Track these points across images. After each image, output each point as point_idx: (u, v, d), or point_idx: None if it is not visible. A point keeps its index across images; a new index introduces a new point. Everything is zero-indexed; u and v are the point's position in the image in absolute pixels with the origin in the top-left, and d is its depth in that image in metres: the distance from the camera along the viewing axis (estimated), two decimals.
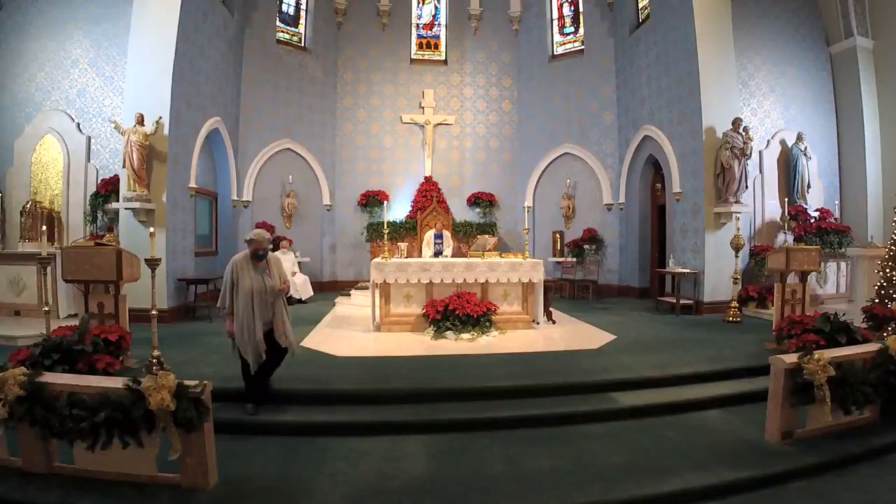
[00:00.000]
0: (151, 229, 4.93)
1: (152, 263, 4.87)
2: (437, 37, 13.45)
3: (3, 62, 9.12)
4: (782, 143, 10.06)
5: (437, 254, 9.17)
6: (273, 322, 4.24)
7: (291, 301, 10.15)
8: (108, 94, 9.03)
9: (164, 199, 7.93)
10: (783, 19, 10.31)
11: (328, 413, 4.31)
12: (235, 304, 4.12)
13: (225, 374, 4.97)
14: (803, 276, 6.69)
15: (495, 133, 13.21)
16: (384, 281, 7.17)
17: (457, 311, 6.78)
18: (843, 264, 9.47)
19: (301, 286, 10.38)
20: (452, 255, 9.11)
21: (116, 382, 3.20)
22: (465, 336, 6.58)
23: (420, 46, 13.38)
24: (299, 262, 11.06)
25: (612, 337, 6.72)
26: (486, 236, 8.95)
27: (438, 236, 9.64)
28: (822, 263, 8.44)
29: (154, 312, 4.99)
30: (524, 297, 7.50)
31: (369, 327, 7.39)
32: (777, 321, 6.26)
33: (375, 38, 12.91)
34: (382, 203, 11.72)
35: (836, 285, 9.51)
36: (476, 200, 12.85)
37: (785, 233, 9.65)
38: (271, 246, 10.28)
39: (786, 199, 9.58)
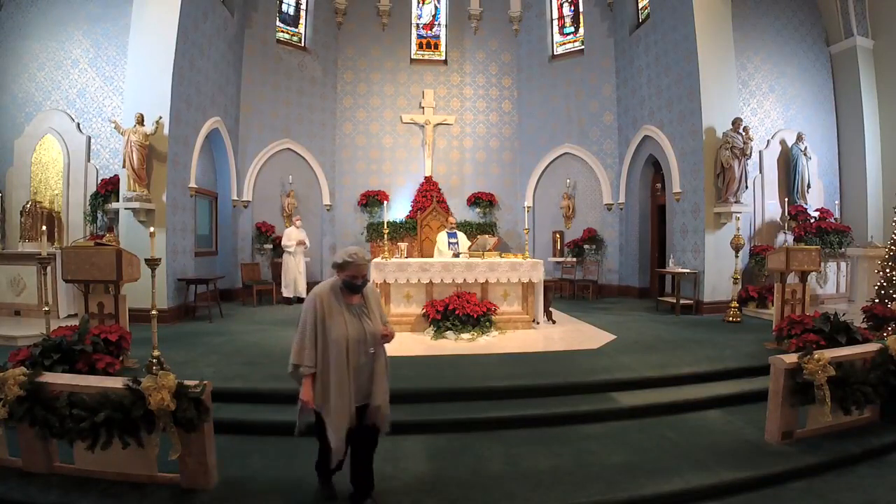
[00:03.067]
0: (151, 229, 4.92)
1: (152, 263, 4.87)
2: (437, 37, 13.45)
3: (3, 62, 9.12)
4: (782, 143, 10.06)
5: (456, 256, 8.15)
6: (371, 388, 2.89)
7: (291, 301, 10.18)
8: (108, 94, 9.03)
9: (164, 199, 7.93)
10: (783, 19, 10.31)
11: None
12: (319, 360, 2.81)
13: (225, 374, 4.98)
14: (803, 276, 6.69)
15: (495, 133, 13.21)
16: (384, 281, 7.17)
17: (457, 311, 6.78)
18: (843, 264, 9.48)
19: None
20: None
21: (116, 382, 3.20)
22: (465, 336, 6.58)
23: (420, 46, 13.37)
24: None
25: (612, 337, 6.72)
26: (487, 236, 8.95)
27: (452, 234, 8.83)
28: (822, 263, 8.44)
29: (154, 312, 4.99)
30: (524, 297, 7.50)
31: None
32: (777, 321, 6.26)
33: (375, 38, 12.91)
34: (382, 203, 11.72)
35: (836, 285, 9.51)
36: (476, 200, 12.84)
37: (785, 233, 9.66)
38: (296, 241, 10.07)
39: (786, 199, 9.58)
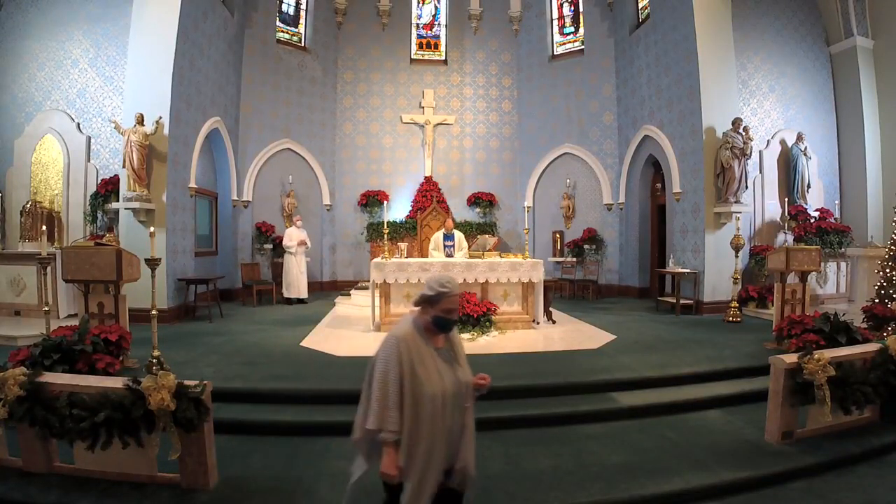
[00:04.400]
0: (151, 229, 4.92)
1: (152, 263, 4.87)
2: (437, 37, 13.45)
3: (3, 62, 9.12)
4: (782, 142, 10.06)
5: (448, 258, 8.12)
6: (460, 447, 2.35)
7: (292, 301, 10.18)
8: (108, 94, 9.03)
9: (164, 199, 7.93)
10: (783, 19, 10.31)
11: (328, 413, 4.30)
12: (407, 422, 2.20)
13: (225, 374, 4.98)
14: (803, 276, 6.69)
15: (495, 133, 13.21)
16: (384, 281, 7.17)
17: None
18: (843, 264, 9.48)
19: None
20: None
21: (116, 382, 3.20)
22: (465, 336, 6.58)
23: (420, 46, 13.37)
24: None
25: (612, 337, 6.72)
26: (487, 236, 8.94)
27: (449, 237, 8.52)
28: (822, 263, 8.44)
29: (154, 312, 4.99)
30: (524, 297, 7.50)
31: (369, 327, 7.39)
32: (777, 321, 6.26)
33: (375, 38, 12.91)
34: (382, 203, 11.72)
35: (836, 285, 9.51)
36: (476, 200, 12.84)
37: (785, 233, 9.66)
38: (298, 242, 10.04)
39: (786, 199, 9.58)
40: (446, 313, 2.29)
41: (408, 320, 2.36)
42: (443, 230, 8.76)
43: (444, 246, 8.50)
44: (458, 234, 8.76)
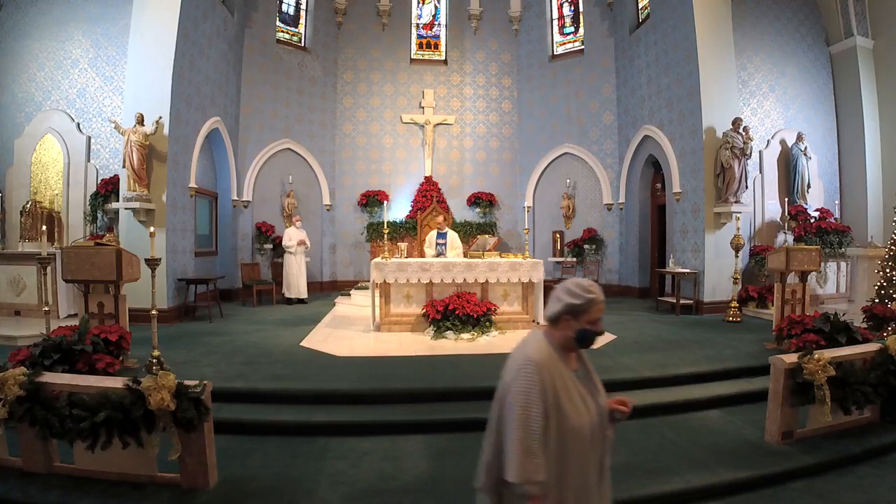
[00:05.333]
0: (151, 229, 4.92)
1: (152, 263, 4.87)
2: (437, 37, 13.45)
3: (3, 62, 9.12)
4: (782, 142, 10.06)
5: (439, 255, 8.19)
6: (600, 488, 1.92)
7: (292, 301, 10.18)
8: (108, 94, 9.03)
9: (164, 199, 7.93)
10: (783, 19, 10.31)
11: (328, 413, 4.31)
12: (552, 465, 1.76)
13: (225, 373, 4.98)
14: (803, 276, 6.69)
15: (495, 133, 13.21)
16: (384, 281, 7.17)
17: (457, 311, 6.78)
18: (843, 264, 9.48)
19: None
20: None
21: (116, 382, 3.20)
22: (465, 336, 6.58)
23: (420, 46, 13.37)
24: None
25: (612, 337, 6.72)
26: (487, 236, 8.93)
27: (442, 235, 8.46)
28: (822, 263, 8.45)
29: (154, 312, 4.99)
30: (524, 297, 7.50)
31: (369, 327, 7.40)
32: (777, 321, 6.26)
33: (375, 38, 12.91)
34: (382, 203, 11.72)
35: (836, 285, 9.51)
36: (476, 200, 12.84)
37: (785, 233, 9.66)
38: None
39: (786, 199, 9.58)
40: (593, 325, 1.91)
41: (538, 338, 1.91)
42: (437, 229, 8.68)
43: (437, 244, 8.42)
44: (451, 233, 8.56)
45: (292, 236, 10.30)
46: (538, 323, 7.55)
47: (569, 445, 1.77)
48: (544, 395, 1.74)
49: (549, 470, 1.74)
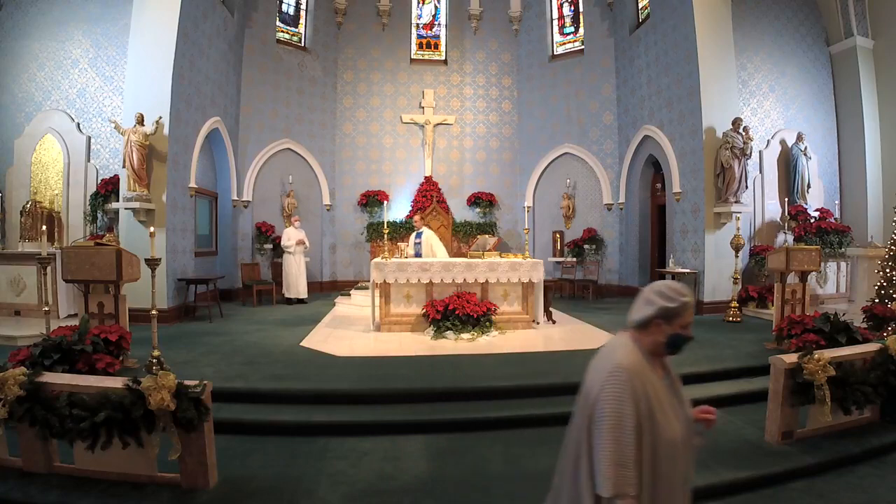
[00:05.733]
0: (151, 229, 4.92)
1: (152, 263, 4.87)
2: (437, 37, 13.45)
3: (3, 62, 9.11)
4: (782, 142, 10.05)
5: (416, 255, 8.21)
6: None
7: (292, 301, 10.18)
8: (108, 94, 9.03)
9: (164, 199, 7.93)
10: (783, 19, 10.31)
11: (328, 413, 4.31)
12: (645, 478, 1.67)
13: (225, 373, 4.98)
14: (803, 276, 6.69)
15: (495, 133, 13.21)
16: (384, 281, 7.17)
17: (457, 311, 6.78)
18: (843, 264, 9.48)
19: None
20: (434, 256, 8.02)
21: (116, 382, 3.20)
22: (465, 336, 6.58)
23: (420, 46, 13.37)
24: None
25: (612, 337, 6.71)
26: (487, 236, 8.93)
27: (418, 234, 8.46)
28: (822, 263, 8.44)
29: (154, 312, 4.99)
30: (524, 297, 7.50)
31: (369, 327, 7.40)
32: (777, 321, 6.26)
33: (375, 38, 12.91)
34: (382, 203, 11.73)
35: (836, 285, 9.51)
36: (476, 200, 12.84)
37: (785, 233, 9.66)
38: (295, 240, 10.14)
39: (786, 199, 9.58)
40: (685, 329, 1.82)
41: (626, 344, 1.81)
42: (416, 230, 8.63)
43: (414, 244, 8.41)
44: (427, 232, 8.53)
45: (291, 236, 10.30)
46: (538, 322, 7.55)
47: (660, 458, 1.67)
48: (636, 404, 1.64)
49: (641, 483, 1.64)
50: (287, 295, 10.19)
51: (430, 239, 8.41)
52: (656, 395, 1.70)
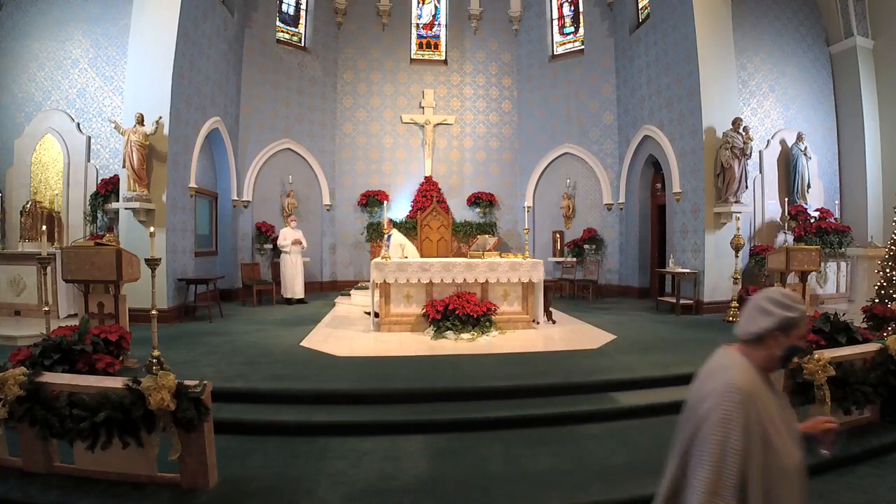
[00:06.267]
0: (151, 229, 4.92)
1: (152, 263, 4.87)
2: (437, 37, 13.45)
3: (3, 62, 9.12)
4: (782, 142, 10.06)
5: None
6: None
7: (292, 301, 10.18)
8: (108, 94, 9.03)
9: (164, 199, 7.93)
10: (783, 19, 10.31)
11: (328, 413, 4.31)
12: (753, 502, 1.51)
13: (225, 373, 4.98)
14: (803, 276, 6.69)
15: (495, 133, 13.21)
16: (384, 281, 7.17)
17: (457, 311, 6.78)
18: (843, 264, 9.48)
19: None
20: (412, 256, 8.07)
21: (116, 382, 3.20)
22: (465, 336, 6.58)
23: (420, 46, 13.37)
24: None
25: (612, 337, 6.72)
26: (487, 236, 8.93)
27: (388, 238, 8.59)
28: (822, 263, 8.44)
29: (154, 312, 4.99)
30: (524, 297, 7.49)
31: (369, 327, 7.40)
32: None
33: (375, 38, 12.91)
34: (382, 203, 11.72)
35: (836, 285, 9.51)
36: (476, 200, 12.84)
37: (785, 233, 9.66)
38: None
39: (786, 199, 9.58)
40: (801, 340, 1.65)
41: (740, 361, 1.64)
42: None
43: (385, 247, 8.48)
44: (395, 235, 8.57)
45: (287, 236, 10.30)
46: (538, 322, 7.55)
47: (776, 487, 1.51)
48: (748, 431, 1.49)
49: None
50: (284, 295, 10.19)
51: (399, 241, 8.46)
52: (772, 418, 1.54)
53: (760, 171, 9.89)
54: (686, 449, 1.61)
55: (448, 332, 6.65)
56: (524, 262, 7.43)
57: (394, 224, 11.69)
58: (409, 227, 12.08)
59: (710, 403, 1.55)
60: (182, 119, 8.37)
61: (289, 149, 11.87)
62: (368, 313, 8.25)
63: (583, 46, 12.34)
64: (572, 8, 12.67)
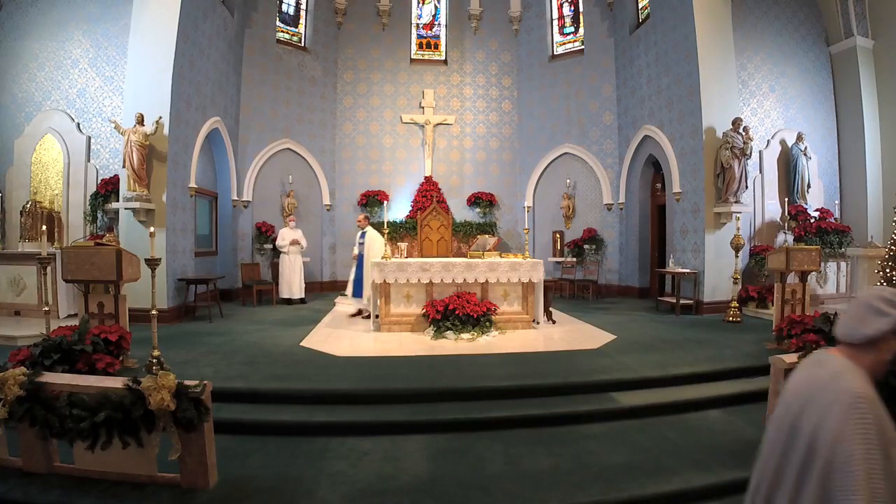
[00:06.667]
0: (151, 229, 4.91)
1: (152, 263, 4.87)
2: (437, 37, 13.45)
3: (3, 62, 9.11)
4: (782, 142, 10.05)
5: (360, 255, 8.26)
6: None
7: (292, 301, 10.18)
8: (108, 94, 9.03)
9: (164, 199, 7.93)
10: (783, 19, 10.31)
11: (328, 413, 4.31)
12: None
13: (225, 373, 4.98)
14: (803, 276, 6.69)
15: (495, 133, 13.21)
16: (384, 281, 7.17)
17: (457, 311, 6.78)
18: (843, 264, 9.47)
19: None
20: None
21: (116, 382, 3.20)
22: (465, 336, 6.58)
23: (420, 46, 13.37)
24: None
25: (612, 337, 6.72)
26: (487, 236, 8.93)
27: (363, 234, 8.41)
28: (822, 263, 8.44)
29: (154, 312, 4.99)
30: (524, 297, 7.50)
31: (369, 327, 7.40)
32: (777, 321, 6.26)
33: (375, 38, 12.91)
34: (382, 203, 11.73)
35: (836, 285, 9.50)
36: (476, 200, 12.84)
37: (785, 233, 9.66)
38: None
39: (786, 199, 9.58)
40: None
41: (849, 366, 1.49)
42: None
43: (358, 244, 8.38)
44: (370, 232, 8.31)
45: (285, 236, 10.31)
46: (538, 322, 7.55)
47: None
48: (884, 448, 1.34)
49: None
50: (283, 295, 10.19)
51: (372, 239, 8.22)
52: (888, 428, 1.39)
53: (760, 171, 9.89)
54: (817, 478, 1.40)
55: (448, 332, 6.65)
56: (524, 262, 7.43)
57: (393, 224, 11.71)
58: (408, 227, 12.10)
59: (837, 418, 1.38)
60: (182, 119, 8.37)
61: (289, 149, 11.87)
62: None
63: (583, 46, 12.34)
64: (572, 8, 12.67)
